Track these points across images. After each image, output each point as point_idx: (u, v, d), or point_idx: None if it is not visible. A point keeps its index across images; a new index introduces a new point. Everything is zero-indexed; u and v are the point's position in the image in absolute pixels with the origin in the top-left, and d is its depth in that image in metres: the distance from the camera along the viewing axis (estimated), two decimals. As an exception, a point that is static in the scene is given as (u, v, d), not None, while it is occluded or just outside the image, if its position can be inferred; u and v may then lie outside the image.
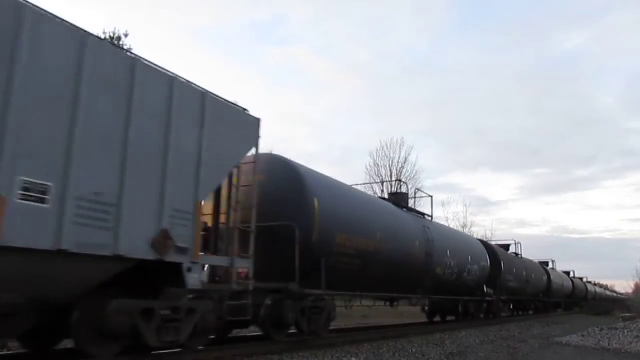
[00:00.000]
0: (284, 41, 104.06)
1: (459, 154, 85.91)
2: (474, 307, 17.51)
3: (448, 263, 14.18)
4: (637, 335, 12.23)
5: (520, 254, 24.74)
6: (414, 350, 8.76)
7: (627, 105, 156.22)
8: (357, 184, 14.59)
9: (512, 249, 23.88)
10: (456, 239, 16.51)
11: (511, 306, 24.42)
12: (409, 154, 32.98)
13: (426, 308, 17.14)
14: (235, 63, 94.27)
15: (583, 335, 12.86)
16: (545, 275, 27.52)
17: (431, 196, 16.58)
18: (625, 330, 13.32)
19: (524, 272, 22.36)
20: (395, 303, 14.07)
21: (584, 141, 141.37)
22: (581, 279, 43.52)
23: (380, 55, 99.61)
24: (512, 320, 20.00)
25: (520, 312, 25.90)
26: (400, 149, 32.97)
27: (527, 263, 24.65)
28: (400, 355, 8.09)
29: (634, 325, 14.40)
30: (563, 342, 11.96)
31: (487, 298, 17.82)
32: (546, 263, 31.75)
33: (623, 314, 30.03)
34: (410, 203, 14.77)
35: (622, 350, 10.49)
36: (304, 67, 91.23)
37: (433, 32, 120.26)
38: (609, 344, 11.27)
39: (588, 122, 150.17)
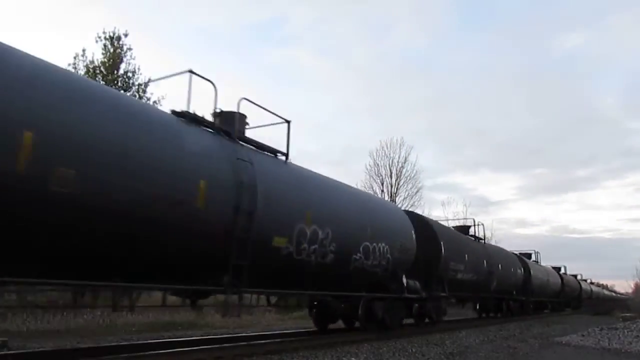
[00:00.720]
0: (284, 42, 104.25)
1: (459, 154, 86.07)
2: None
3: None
4: (637, 335, 12.23)
5: (484, 240, 20.16)
6: (414, 350, 8.76)
7: (627, 105, 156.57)
8: (357, 184, 14.53)
9: (471, 231, 19.18)
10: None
11: (463, 306, 21.91)
12: (409, 154, 32.95)
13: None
14: (236, 63, 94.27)
15: (583, 335, 12.85)
16: (522, 269, 23.22)
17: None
18: (626, 330, 13.32)
19: (485, 262, 17.85)
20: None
21: (584, 141, 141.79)
22: (575, 276, 40.92)
23: (380, 55, 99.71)
24: (512, 320, 19.99)
25: (485, 315, 22.09)
26: (400, 149, 32.95)
27: (492, 250, 20.04)
28: (400, 355, 8.09)
29: (634, 325, 14.40)
30: (563, 342, 11.95)
31: (409, 295, 11.80)
32: (528, 255, 28.13)
33: (623, 314, 29.96)
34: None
35: (623, 351, 10.48)
36: (304, 68, 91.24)
37: (433, 33, 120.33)
38: (609, 344, 11.26)
39: (588, 123, 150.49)
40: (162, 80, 9.88)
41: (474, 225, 19.52)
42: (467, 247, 16.71)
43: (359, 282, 10.28)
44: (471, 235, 18.85)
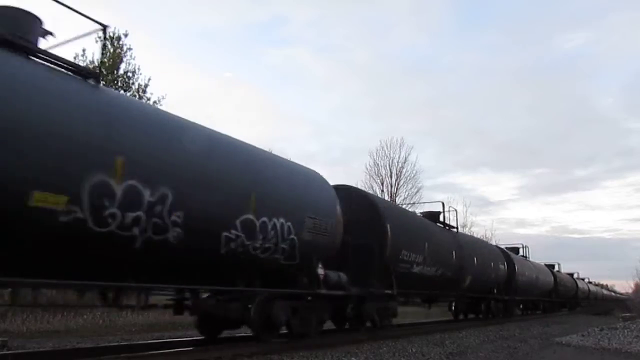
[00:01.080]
0: (284, 42, 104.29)
1: (458, 154, 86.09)
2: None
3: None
4: (637, 335, 12.22)
5: (457, 228, 17.32)
6: (414, 350, 8.76)
7: (627, 105, 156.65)
8: (357, 184, 14.22)
9: (449, 220, 16.76)
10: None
11: (430, 307, 18.49)
12: (409, 154, 33.08)
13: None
14: (236, 63, 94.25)
15: (583, 335, 12.84)
16: (505, 265, 20.19)
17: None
18: (626, 330, 13.30)
19: (454, 254, 15.23)
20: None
21: (584, 141, 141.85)
22: (571, 274, 39.52)
23: (381, 56, 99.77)
24: (512, 320, 19.92)
25: (464, 316, 19.17)
26: (400, 149, 33.07)
27: (465, 241, 16.93)
28: (400, 355, 8.08)
29: (634, 325, 14.39)
30: (563, 342, 11.94)
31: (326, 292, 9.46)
32: (515, 250, 25.38)
33: (623, 314, 29.94)
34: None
35: (623, 351, 10.48)
36: (304, 68, 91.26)
37: (432, 33, 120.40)
38: (609, 344, 11.25)
39: (587, 123, 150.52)
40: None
41: (444, 212, 16.08)
42: (427, 233, 13.61)
43: (244, 272, 7.52)
44: (440, 223, 15.82)
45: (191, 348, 7.86)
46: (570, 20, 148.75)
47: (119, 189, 5.38)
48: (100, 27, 6.05)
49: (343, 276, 9.48)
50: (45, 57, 5.36)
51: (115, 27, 20.22)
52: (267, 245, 7.52)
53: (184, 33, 78.28)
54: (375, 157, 33.19)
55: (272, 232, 7.59)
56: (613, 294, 77.90)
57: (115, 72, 19.77)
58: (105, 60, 18.92)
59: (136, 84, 20.23)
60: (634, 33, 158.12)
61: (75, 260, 5.43)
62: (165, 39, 76.15)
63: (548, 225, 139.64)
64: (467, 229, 40.97)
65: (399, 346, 9.08)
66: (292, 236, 7.99)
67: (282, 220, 7.78)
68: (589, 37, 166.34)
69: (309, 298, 8.78)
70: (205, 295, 8.06)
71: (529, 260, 26.06)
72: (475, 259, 16.48)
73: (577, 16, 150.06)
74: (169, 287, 6.88)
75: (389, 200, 28.71)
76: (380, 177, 32.59)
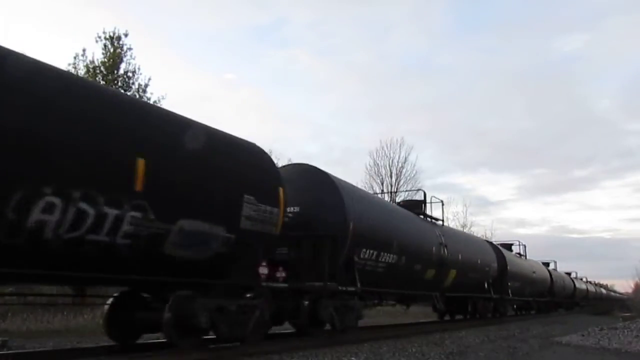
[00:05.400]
0: (284, 43, 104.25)
1: (458, 154, 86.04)
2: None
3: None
4: (637, 335, 12.20)
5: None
6: (414, 350, 8.75)
7: (625, 107, 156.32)
8: (357, 184, 14.07)
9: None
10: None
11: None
12: (409, 154, 33.05)
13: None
14: (237, 65, 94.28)
15: (583, 335, 12.83)
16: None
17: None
18: (626, 330, 13.29)
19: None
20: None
21: (583, 142, 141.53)
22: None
23: (380, 57, 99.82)
24: (511, 320, 19.86)
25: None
26: (400, 149, 33.02)
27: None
28: (400, 355, 8.08)
29: (634, 325, 14.37)
30: (563, 342, 11.94)
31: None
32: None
33: (623, 314, 29.98)
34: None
35: (623, 350, 10.47)
36: (304, 69, 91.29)
37: (432, 34, 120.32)
38: (609, 344, 11.25)
39: (586, 124, 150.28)
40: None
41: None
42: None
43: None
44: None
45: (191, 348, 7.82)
46: (568, 23, 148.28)
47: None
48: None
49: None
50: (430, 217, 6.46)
51: (115, 27, 20.23)
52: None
53: (185, 34, 78.26)
54: (375, 157, 33.21)
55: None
56: (612, 293, 77.87)
57: (115, 72, 19.76)
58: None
59: (136, 84, 20.23)
60: (632, 35, 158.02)
61: None
62: (166, 40, 76.19)
63: (548, 225, 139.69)
64: (467, 228, 40.99)
65: (399, 345, 9.08)
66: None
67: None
68: (587, 39, 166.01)
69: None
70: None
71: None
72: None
73: (575, 19, 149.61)
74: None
75: (389, 200, 28.72)
76: (380, 177, 32.61)
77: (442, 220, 15.62)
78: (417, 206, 14.34)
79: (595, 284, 57.74)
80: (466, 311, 17.96)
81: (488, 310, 18.69)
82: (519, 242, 25.54)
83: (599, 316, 32.10)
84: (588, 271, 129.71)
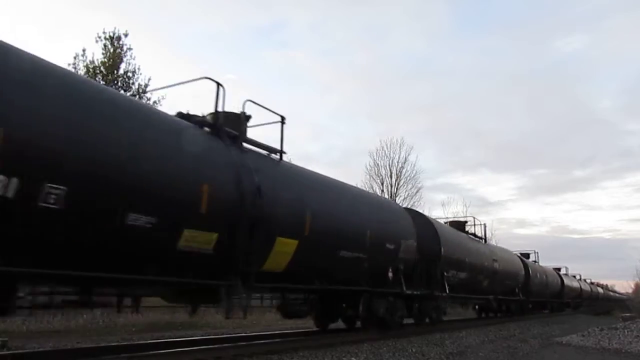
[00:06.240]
0: (285, 45, 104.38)
1: (458, 155, 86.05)
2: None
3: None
4: (637, 335, 12.21)
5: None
6: (414, 350, 8.75)
7: (625, 107, 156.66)
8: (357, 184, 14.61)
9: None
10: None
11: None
12: (409, 154, 32.95)
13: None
14: (237, 66, 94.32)
15: (583, 335, 12.84)
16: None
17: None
18: (626, 330, 13.29)
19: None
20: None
21: (582, 143, 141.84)
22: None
23: (380, 58, 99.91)
24: (512, 320, 19.96)
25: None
26: (400, 149, 32.96)
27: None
28: (400, 355, 8.08)
29: (634, 325, 14.37)
30: (563, 342, 11.95)
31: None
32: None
33: (623, 314, 29.93)
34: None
35: (623, 350, 10.48)
36: (304, 70, 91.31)
37: (431, 35, 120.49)
38: (609, 344, 11.25)
39: (586, 124, 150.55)
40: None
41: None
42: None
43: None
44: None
45: (191, 348, 7.84)
46: (569, 23, 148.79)
47: None
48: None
49: None
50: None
51: (115, 27, 20.24)
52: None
53: (185, 35, 78.27)
54: (375, 157, 33.09)
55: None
56: (612, 293, 77.87)
57: (115, 72, 19.77)
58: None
59: (136, 84, 20.23)
60: (632, 36, 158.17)
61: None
62: (166, 40, 76.19)
63: (548, 225, 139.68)
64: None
65: (399, 346, 9.07)
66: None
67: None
68: (587, 40, 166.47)
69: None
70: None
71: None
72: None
73: (575, 19, 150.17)
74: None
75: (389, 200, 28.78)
76: (380, 177, 32.50)
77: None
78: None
79: (597, 285, 58.20)
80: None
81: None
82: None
83: (599, 316, 32.12)
84: (588, 271, 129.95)
